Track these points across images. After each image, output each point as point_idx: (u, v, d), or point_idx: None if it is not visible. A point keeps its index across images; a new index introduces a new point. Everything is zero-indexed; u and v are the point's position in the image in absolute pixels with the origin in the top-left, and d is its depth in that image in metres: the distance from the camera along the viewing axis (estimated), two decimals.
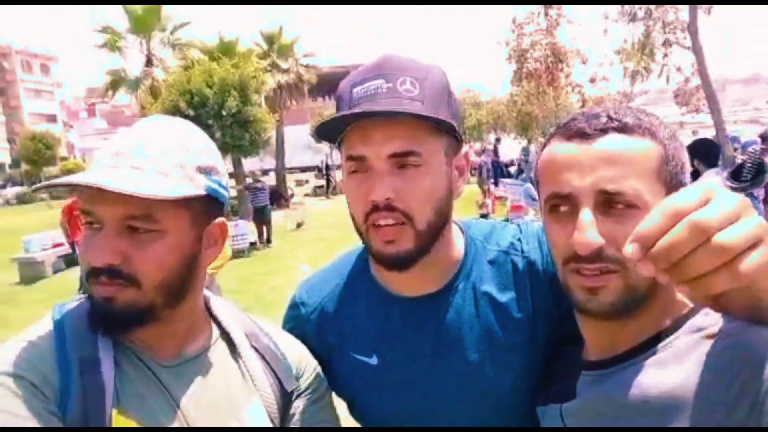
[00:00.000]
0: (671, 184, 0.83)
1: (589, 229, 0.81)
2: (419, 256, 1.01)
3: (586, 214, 0.82)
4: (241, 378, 1.03)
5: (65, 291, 10.15)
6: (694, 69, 10.84)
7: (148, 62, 23.23)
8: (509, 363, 1.06)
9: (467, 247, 1.13)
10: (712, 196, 0.61)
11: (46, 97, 70.75)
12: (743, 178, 6.63)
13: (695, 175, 5.02)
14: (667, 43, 11.80)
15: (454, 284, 1.10)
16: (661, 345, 0.83)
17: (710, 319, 0.82)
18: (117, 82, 23.53)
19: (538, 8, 15.40)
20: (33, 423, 0.80)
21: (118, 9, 23.15)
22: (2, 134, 61.94)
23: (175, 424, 0.92)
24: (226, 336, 1.06)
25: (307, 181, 30.85)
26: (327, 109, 30.45)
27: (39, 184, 0.92)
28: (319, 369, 1.14)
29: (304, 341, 1.16)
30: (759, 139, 8.74)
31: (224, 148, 16.42)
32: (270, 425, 1.01)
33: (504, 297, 1.09)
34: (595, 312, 0.85)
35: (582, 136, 0.85)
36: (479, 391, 1.07)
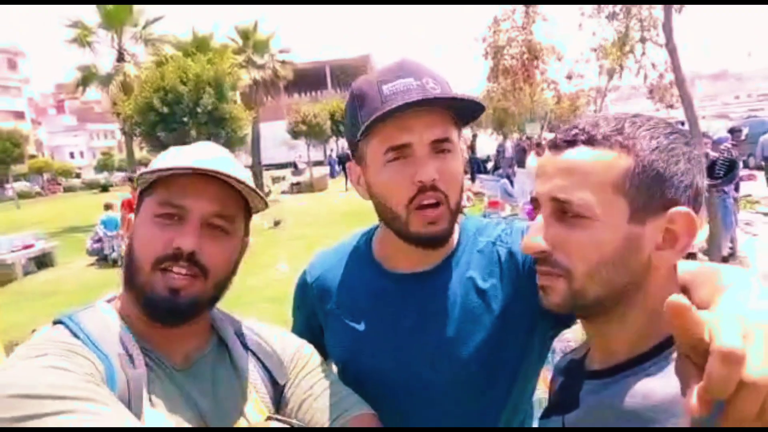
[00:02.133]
0: (641, 196, 0.82)
1: (533, 233, 0.87)
2: (450, 235, 1.16)
3: (538, 219, 0.88)
4: (237, 376, 1.09)
5: (36, 293, 9.91)
6: (667, 65, 11.05)
7: (120, 58, 22.80)
8: (482, 341, 1.15)
9: (460, 237, 1.24)
10: (749, 335, 0.59)
11: (13, 94, 68.84)
12: (716, 174, 6.79)
13: None
14: (643, 40, 12.00)
15: (443, 266, 1.21)
16: (665, 353, 0.83)
17: None
18: (87, 77, 23.01)
19: (519, 6, 15.52)
20: (91, 382, 0.84)
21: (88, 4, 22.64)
22: None
23: (192, 421, 0.98)
24: (219, 337, 1.13)
25: (283, 178, 30.66)
26: (303, 105, 30.28)
27: (162, 168, 0.98)
28: (306, 350, 1.21)
29: (307, 306, 1.32)
30: (729, 135, 8.96)
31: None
32: (267, 414, 1.08)
33: (486, 283, 1.18)
34: (553, 309, 0.90)
35: (554, 147, 0.89)
36: (451, 362, 1.15)
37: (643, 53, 12.59)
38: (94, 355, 0.90)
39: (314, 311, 1.31)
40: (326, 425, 1.07)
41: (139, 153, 22.70)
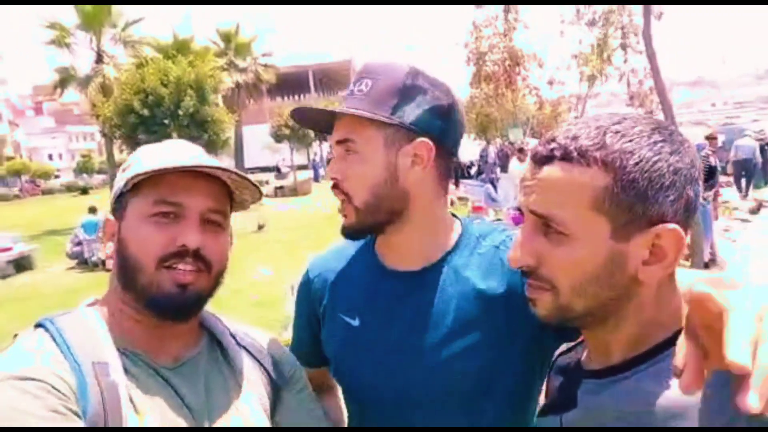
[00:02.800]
0: (622, 214, 0.79)
1: (516, 247, 0.87)
2: (364, 229, 1.17)
3: (521, 231, 0.88)
4: (233, 375, 1.10)
5: (15, 297, 9.71)
6: (646, 72, 11.24)
7: (99, 59, 22.49)
8: (477, 343, 1.13)
9: (461, 238, 1.23)
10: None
11: None
12: None
13: None
14: (623, 47, 12.21)
15: (439, 265, 1.20)
16: (664, 354, 0.82)
17: None
18: (66, 79, 22.68)
19: (497, 12, 15.68)
20: (53, 420, 0.82)
21: (66, 6, 22.34)
22: None
23: (184, 420, 0.98)
24: (213, 338, 1.14)
25: (267, 182, 30.47)
26: (286, 108, 30.17)
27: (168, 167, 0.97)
28: (302, 372, 1.25)
29: (308, 304, 1.33)
30: (706, 142, 9.13)
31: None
32: (263, 414, 1.09)
33: (484, 284, 1.16)
34: (539, 318, 0.90)
35: (533, 160, 0.88)
36: (445, 364, 1.13)
37: (625, 60, 12.80)
38: (68, 366, 0.89)
39: (314, 308, 1.31)
40: None
41: (119, 155, 22.39)
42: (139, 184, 1.00)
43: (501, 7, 15.62)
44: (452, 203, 16.17)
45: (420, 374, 1.14)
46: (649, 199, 0.78)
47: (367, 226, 1.16)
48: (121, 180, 1.03)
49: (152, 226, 0.98)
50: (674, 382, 0.75)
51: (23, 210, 30.69)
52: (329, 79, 56.17)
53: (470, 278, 1.17)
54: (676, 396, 0.75)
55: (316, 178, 31.09)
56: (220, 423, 1.02)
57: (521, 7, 15.81)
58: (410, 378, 1.15)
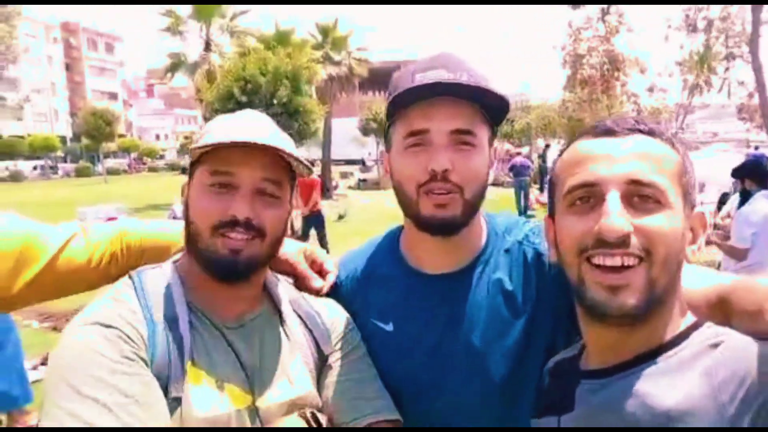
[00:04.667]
0: (687, 194, 0.86)
1: (619, 213, 0.81)
2: (462, 224, 1.13)
3: (615, 199, 0.82)
4: (286, 339, 1.17)
5: None
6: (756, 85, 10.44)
7: (207, 47, 23.94)
8: (509, 347, 1.14)
9: (488, 237, 1.24)
10: None
11: (109, 75, 73.61)
12: None
13: (746, 195, 4.87)
14: (730, 57, 11.39)
15: (472, 267, 1.20)
16: (665, 355, 0.84)
17: (716, 332, 0.83)
18: (176, 65, 24.34)
19: (596, 13, 15.04)
20: (122, 364, 0.93)
21: None
22: (66, 108, 64.88)
23: (237, 376, 1.07)
24: (274, 304, 1.20)
25: (351, 174, 31.15)
26: (376, 103, 30.61)
27: (206, 144, 1.05)
28: (353, 327, 1.25)
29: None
30: None
31: None
32: (309, 377, 1.16)
33: (512, 284, 1.17)
34: (615, 314, 0.83)
35: (611, 133, 0.88)
36: (479, 368, 1.15)
37: (726, 69, 11.92)
38: (142, 317, 1.01)
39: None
40: (344, 419, 1.12)
41: None
42: (203, 155, 1.07)
43: (598, 8, 14.96)
44: (531, 205, 15.81)
45: (457, 378, 1.16)
46: (693, 182, 0.88)
47: (467, 220, 1.14)
48: (191, 150, 1.12)
49: (209, 195, 1.06)
50: (673, 385, 0.79)
51: (130, 184, 33.24)
52: None
53: (501, 278, 1.18)
54: (674, 399, 0.78)
55: None
56: (268, 382, 1.10)
57: (625, 9, 15.09)
58: (447, 382, 1.17)
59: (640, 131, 0.87)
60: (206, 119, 20.88)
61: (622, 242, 0.81)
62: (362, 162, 35.57)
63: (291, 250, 1.27)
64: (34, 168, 44.86)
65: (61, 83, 65.44)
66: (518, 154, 18.48)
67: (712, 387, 0.76)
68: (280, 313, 1.19)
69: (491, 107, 1.12)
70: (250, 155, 1.05)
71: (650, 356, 0.85)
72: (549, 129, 29.03)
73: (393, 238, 1.32)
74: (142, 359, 0.97)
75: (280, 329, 1.18)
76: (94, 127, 38.10)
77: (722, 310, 0.89)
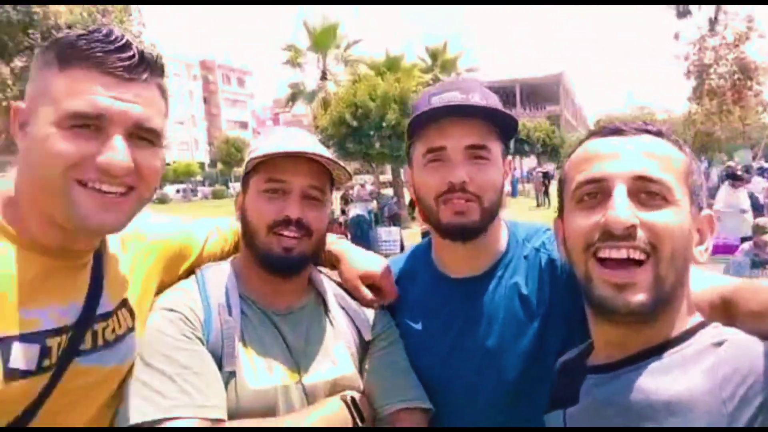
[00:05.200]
0: (693, 195, 0.88)
1: (625, 205, 0.83)
2: (481, 229, 1.23)
3: (622, 193, 0.84)
4: (331, 327, 1.32)
5: None
6: None
7: (323, 77, 25.43)
8: (524, 348, 1.22)
9: (509, 243, 1.33)
10: None
11: (240, 107, 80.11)
12: None
13: None
14: None
15: (492, 272, 1.29)
16: (669, 351, 0.85)
17: (721, 331, 0.85)
18: (296, 94, 26.14)
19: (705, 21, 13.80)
20: (182, 342, 1.13)
21: (301, 29, 25.74)
22: (204, 137, 71.50)
23: (283, 357, 1.22)
24: (319, 296, 1.36)
25: None
26: None
27: (259, 155, 1.22)
28: (391, 322, 1.39)
29: None
30: None
31: (382, 158, 17.28)
32: (351, 363, 1.30)
33: (527, 289, 1.25)
34: (622, 312, 0.84)
35: (619, 132, 0.92)
36: (494, 366, 1.23)
37: None
38: (200, 305, 1.20)
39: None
40: (380, 403, 1.26)
41: None
42: (256, 166, 1.24)
43: (706, 16, 13.72)
44: None
45: (472, 375, 1.25)
46: (699, 184, 0.90)
47: (485, 225, 1.24)
48: (245, 162, 1.29)
49: (264, 199, 1.23)
50: (675, 380, 0.81)
51: None
52: (536, 93, 54.80)
53: (518, 283, 1.26)
54: (676, 394, 0.79)
55: (514, 193, 30.58)
56: (313, 363, 1.24)
57: (757, 14, 13.79)
58: (463, 378, 1.26)
59: (648, 131, 0.90)
60: (321, 143, 21.96)
61: (628, 235, 0.83)
62: None
63: (352, 276, 1.39)
64: (177, 191, 49.51)
65: (200, 115, 72.22)
66: None
67: (714, 383, 0.77)
68: (324, 303, 1.35)
69: (502, 124, 1.24)
70: (299, 164, 1.22)
71: (656, 352, 0.86)
72: None
73: (428, 245, 1.44)
74: (198, 338, 1.16)
75: (325, 318, 1.33)
76: (227, 154, 41.59)
77: (725, 311, 0.91)
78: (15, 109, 0.97)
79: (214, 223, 1.45)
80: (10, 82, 12.73)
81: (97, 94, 0.91)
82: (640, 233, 0.82)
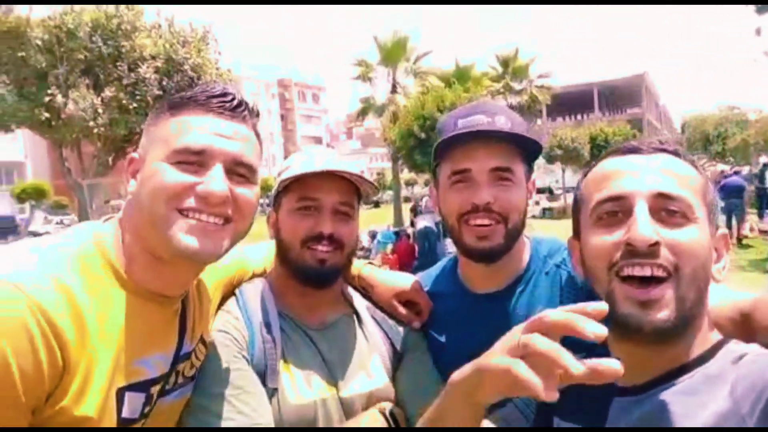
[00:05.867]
0: (711, 213, 0.89)
1: (648, 222, 0.82)
2: (505, 251, 1.28)
3: (644, 209, 0.83)
4: (365, 340, 1.37)
5: None
6: None
7: (393, 90, 25.71)
8: None
9: (531, 259, 1.36)
10: None
11: (315, 122, 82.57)
12: None
13: None
14: None
15: (514, 288, 1.32)
16: (692, 371, 0.84)
17: (741, 348, 0.84)
18: (367, 108, 26.62)
19: None
20: (232, 362, 1.18)
21: (371, 43, 26.21)
22: (281, 153, 74.17)
23: (321, 371, 1.26)
24: (353, 309, 1.41)
25: (537, 203, 30.24)
26: (561, 129, 29.51)
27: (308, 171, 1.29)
28: (421, 334, 1.43)
29: None
30: None
31: None
32: (385, 374, 1.34)
33: (547, 303, 1.24)
34: (647, 330, 0.82)
35: (636, 151, 0.92)
36: None
37: None
38: (243, 324, 1.25)
39: None
40: (410, 411, 1.27)
41: (403, 175, 24.97)
42: (288, 186, 1.31)
43: None
44: (752, 229, 13.65)
45: None
46: (716, 204, 0.91)
47: (509, 247, 1.28)
48: (276, 182, 1.36)
49: (298, 216, 1.29)
50: (701, 400, 0.79)
51: None
52: (616, 96, 52.68)
53: (536, 299, 1.27)
54: (704, 415, 0.78)
55: None
56: (349, 376, 1.29)
57: None
58: None
59: (665, 150, 0.91)
60: (392, 158, 22.31)
61: (652, 252, 0.82)
62: (549, 190, 34.28)
63: (387, 296, 1.43)
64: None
65: (277, 132, 75.10)
66: (735, 173, 16.16)
67: (734, 400, 0.76)
68: (358, 317, 1.40)
69: (527, 147, 1.28)
70: (329, 182, 1.29)
71: (680, 372, 0.85)
72: None
73: (455, 261, 1.48)
74: (245, 357, 1.21)
75: (359, 330, 1.38)
76: None
77: (745, 327, 0.91)
78: (130, 159, 1.05)
79: (267, 243, 1.50)
80: (100, 110, 13.75)
81: (201, 130, 1.00)
82: (664, 251, 0.82)
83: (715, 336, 0.88)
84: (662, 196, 0.84)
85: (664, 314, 0.81)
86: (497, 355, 0.78)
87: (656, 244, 0.81)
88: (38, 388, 0.83)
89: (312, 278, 1.29)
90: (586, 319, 0.67)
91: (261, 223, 1.32)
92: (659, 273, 0.81)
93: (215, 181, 0.96)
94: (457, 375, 0.88)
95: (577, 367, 0.65)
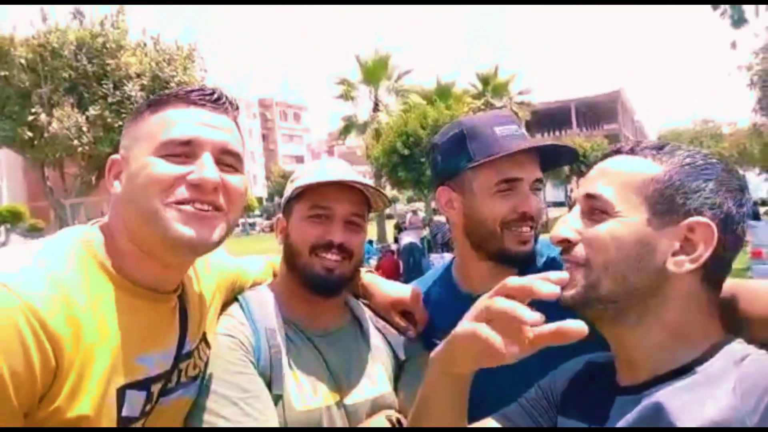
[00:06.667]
0: (663, 203, 0.87)
1: (561, 224, 0.94)
2: (533, 257, 1.35)
3: (571, 213, 0.96)
4: (368, 348, 1.39)
5: None
6: None
7: (375, 108, 25.92)
8: (548, 362, 1.19)
9: (534, 259, 1.39)
10: None
11: (296, 141, 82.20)
12: None
13: None
14: None
15: None
16: (694, 371, 0.85)
17: (744, 347, 0.84)
18: (349, 126, 26.74)
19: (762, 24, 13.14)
20: (239, 365, 1.19)
21: (353, 62, 26.51)
22: (262, 172, 73.89)
23: (325, 378, 1.27)
24: (355, 318, 1.43)
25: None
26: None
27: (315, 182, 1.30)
28: (422, 342, 1.44)
29: None
30: None
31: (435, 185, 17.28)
32: (387, 381, 1.36)
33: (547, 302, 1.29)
34: (564, 305, 0.91)
35: (602, 157, 1.00)
36: (519, 382, 1.21)
37: None
38: (250, 329, 1.25)
39: None
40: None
41: (389, 191, 25.03)
42: (301, 193, 1.32)
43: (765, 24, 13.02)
44: None
45: (496, 391, 1.21)
46: (690, 194, 0.86)
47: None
48: (288, 189, 1.37)
49: (309, 224, 1.30)
50: (702, 399, 0.80)
51: None
52: (593, 112, 53.54)
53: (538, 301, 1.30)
54: (706, 413, 0.78)
55: None
56: (353, 383, 1.30)
57: None
58: (487, 395, 1.22)
59: (619, 152, 0.96)
60: (374, 174, 22.45)
61: (566, 250, 0.93)
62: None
63: (385, 305, 1.46)
64: (237, 225, 51.05)
65: (259, 151, 74.74)
66: None
67: (737, 399, 0.77)
68: (360, 325, 1.42)
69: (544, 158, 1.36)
70: (342, 192, 1.31)
71: (680, 372, 0.86)
72: (745, 157, 25.65)
73: (447, 267, 1.54)
74: (251, 362, 1.22)
75: (362, 339, 1.40)
76: (284, 188, 42.41)
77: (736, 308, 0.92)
78: (112, 161, 1.04)
79: (263, 257, 1.55)
80: (85, 129, 13.71)
81: (186, 122, 1.00)
82: (578, 247, 0.91)
83: (719, 335, 0.88)
84: (588, 197, 0.92)
85: (569, 292, 0.91)
86: (464, 322, 0.85)
87: (564, 241, 0.92)
88: (30, 389, 0.82)
89: (319, 286, 1.30)
90: (543, 282, 0.75)
91: (244, 243, 1.36)
92: (570, 267, 0.92)
93: (207, 169, 0.97)
94: (436, 350, 0.95)
95: (533, 317, 0.73)
